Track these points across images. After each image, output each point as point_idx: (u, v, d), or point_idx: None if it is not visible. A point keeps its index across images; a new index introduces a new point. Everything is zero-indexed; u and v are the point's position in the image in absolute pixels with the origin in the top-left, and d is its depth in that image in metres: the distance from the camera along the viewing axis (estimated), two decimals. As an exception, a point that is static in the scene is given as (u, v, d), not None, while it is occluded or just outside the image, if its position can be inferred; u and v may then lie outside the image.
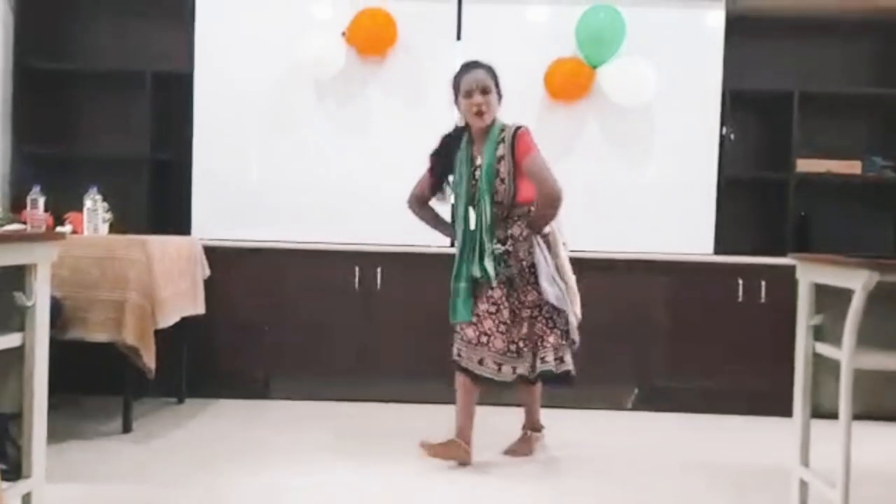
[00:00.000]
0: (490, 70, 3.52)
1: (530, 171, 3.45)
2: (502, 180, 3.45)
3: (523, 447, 3.69)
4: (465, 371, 3.48)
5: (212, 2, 4.70)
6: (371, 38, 4.59)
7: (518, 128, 3.50)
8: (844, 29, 4.95)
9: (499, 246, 3.45)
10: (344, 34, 4.57)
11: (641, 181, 4.69)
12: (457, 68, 3.61)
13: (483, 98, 3.44)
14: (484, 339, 3.44)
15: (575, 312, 3.53)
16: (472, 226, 3.47)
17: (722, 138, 4.73)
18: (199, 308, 4.39)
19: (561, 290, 3.46)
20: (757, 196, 5.02)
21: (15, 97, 4.77)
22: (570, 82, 4.60)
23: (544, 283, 3.43)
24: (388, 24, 4.58)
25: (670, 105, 4.65)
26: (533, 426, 3.74)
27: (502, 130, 3.50)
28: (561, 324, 3.48)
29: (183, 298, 4.15)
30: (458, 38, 4.68)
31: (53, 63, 4.92)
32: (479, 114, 3.45)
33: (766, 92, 4.91)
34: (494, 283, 3.42)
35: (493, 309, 3.44)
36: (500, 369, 3.45)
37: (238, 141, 4.73)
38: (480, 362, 3.45)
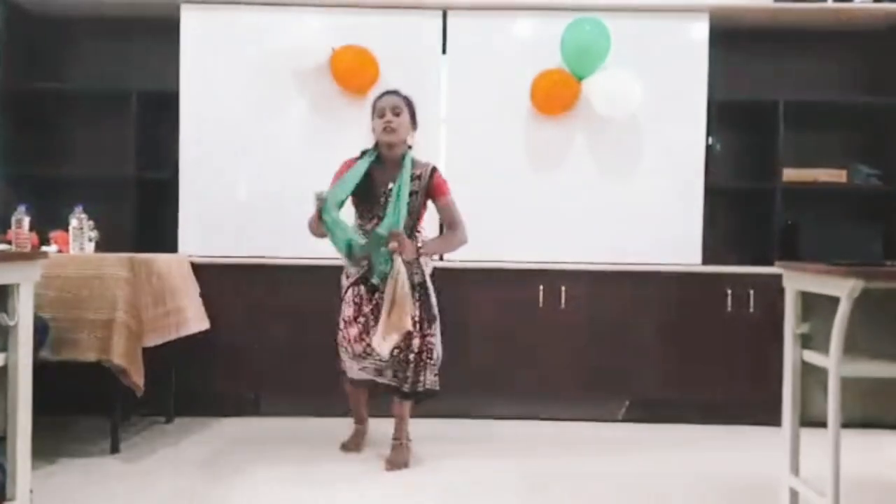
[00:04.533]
0: (406, 99, 3.75)
1: (447, 211, 3.77)
2: (409, 214, 3.65)
3: (399, 456, 3.69)
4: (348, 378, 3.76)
5: (197, 20, 4.70)
6: (357, 54, 4.59)
7: (434, 168, 3.74)
8: (828, 39, 4.97)
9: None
10: (333, 50, 4.58)
11: (628, 192, 4.69)
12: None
13: (393, 117, 3.64)
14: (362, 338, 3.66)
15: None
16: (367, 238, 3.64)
17: (708, 148, 4.75)
18: (201, 324, 4.38)
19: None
20: (743, 206, 5.04)
21: (0, 117, 4.75)
22: (555, 95, 4.60)
23: (433, 301, 3.67)
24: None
25: (656, 116, 4.66)
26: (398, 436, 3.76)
27: (415, 166, 3.70)
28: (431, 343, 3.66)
29: (178, 316, 4.12)
30: (444, 51, 4.69)
31: (38, 83, 4.92)
32: (389, 130, 3.64)
33: (752, 102, 4.92)
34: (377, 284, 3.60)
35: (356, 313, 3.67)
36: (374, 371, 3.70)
37: (225, 158, 4.71)
38: (361, 362, 3.69)
